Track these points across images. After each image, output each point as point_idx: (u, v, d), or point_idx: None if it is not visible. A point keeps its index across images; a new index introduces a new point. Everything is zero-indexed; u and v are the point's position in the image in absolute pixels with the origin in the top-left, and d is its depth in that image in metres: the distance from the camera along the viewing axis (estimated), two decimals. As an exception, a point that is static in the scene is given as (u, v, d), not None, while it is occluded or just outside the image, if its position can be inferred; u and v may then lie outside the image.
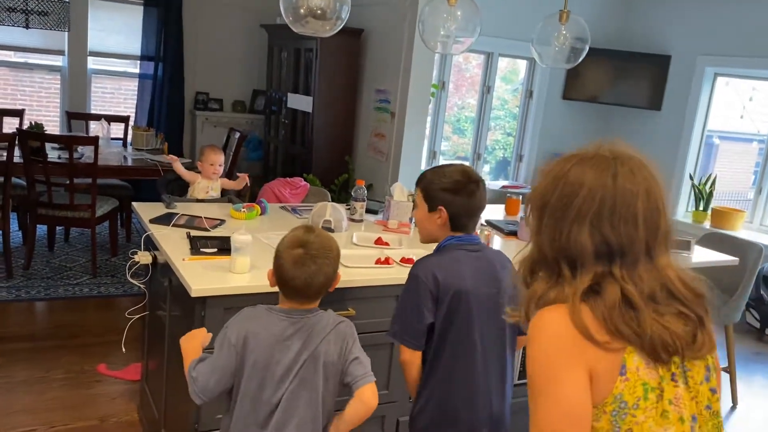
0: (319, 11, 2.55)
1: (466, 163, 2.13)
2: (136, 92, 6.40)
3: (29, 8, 4.73)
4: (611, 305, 1.07)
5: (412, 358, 1.93)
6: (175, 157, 3.64)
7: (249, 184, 3.53)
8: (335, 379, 1.74)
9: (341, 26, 2.61)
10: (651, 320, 1.07)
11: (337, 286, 1.82)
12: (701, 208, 5.66)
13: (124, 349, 2.80)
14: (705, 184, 5.66)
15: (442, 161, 6.12)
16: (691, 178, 5.78)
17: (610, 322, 1.06)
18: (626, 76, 6.16)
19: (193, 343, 1.83)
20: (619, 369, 1.06)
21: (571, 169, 1.14)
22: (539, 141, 6.39)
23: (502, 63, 6.24)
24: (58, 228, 5.09)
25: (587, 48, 3.12)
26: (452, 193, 1.92)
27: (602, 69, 6.10)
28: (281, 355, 1.68)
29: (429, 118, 5.49)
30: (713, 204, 5.64)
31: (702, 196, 5.65)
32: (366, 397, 1.71)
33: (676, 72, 5.90)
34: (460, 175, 1.95)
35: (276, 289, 1.78)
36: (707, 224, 5.57)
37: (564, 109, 6.43)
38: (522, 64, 6.44)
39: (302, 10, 2.55)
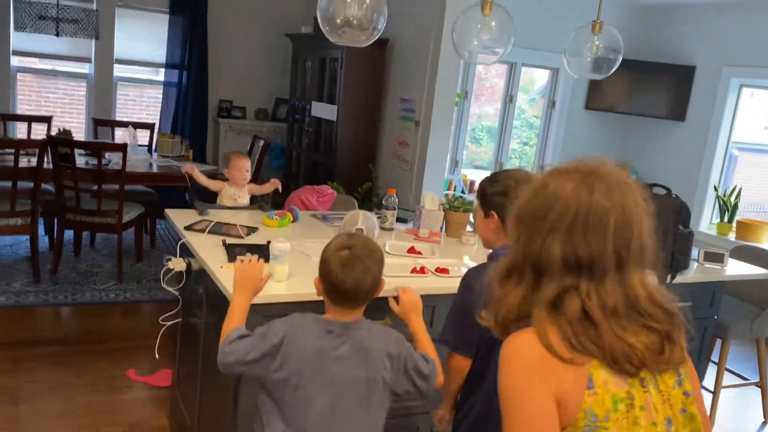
0: (355, 21, 2.57)
1: (527, 168, 2.08)
2: (157, 100, 6.46)
3: (60, 16, 4.79)
4: (571, 319, 1.10)
5: (462, 366, 1.92)
6: (192, 166, 3.58)
7: (280, 190, 3.54)
8: (389, 397, 1.77)
9: (377, 36, 2.63)
10: (610, 334, 1.10)
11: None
12: (726, 220, 5.62)
13: (157, 356, 2.81)
14: (730, 195, 5.62)
15: (462, 170, 6.12)
16: (716, 189, 5.74)
17: (573, 338, 1.10)
18: (650, 87, 6.14)
19: (249, 283, 1.83)
20: (585, 383, 1.09)
21: (551, 182, 1.17)
22: (562, 150, 6.37)
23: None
24: (83, 233, 5.13)
25: (620, 58, 3.12)
26: (504, 198, 1.90)
27: (625, 79, 6.08)
28: (330, 370, 1.67)
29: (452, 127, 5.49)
30: (738, 216, 5.60)
31: (727, 208, 5.61)
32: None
33: (701, 83, 5.87)
34: (512, 179, 1.92)
35: (320, 297, 1.78)
36: (732, 236, 5.52)
37: (586, 119, 6.42)
38: (539, 75, 6.43)
39: (339, 20, 2.57)
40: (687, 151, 5.96)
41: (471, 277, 1.91)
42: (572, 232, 1.12)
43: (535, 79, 6.57)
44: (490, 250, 2.01)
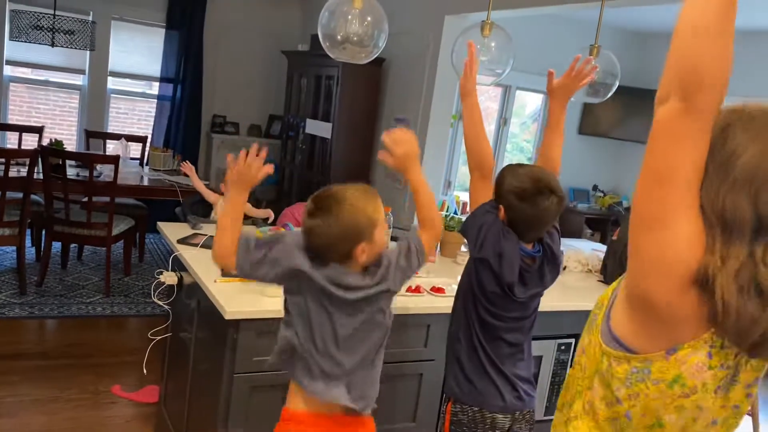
0: (356, 38, 2.56)
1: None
2: (149, 113, 6.44)
3: (56, 27, 4.76)
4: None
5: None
6: (191, 166, 3.56)
7: (270, 221, 3.52)
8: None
9: (377, 53, 2.63)
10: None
11: None
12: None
13: (145, 371, 2.75)
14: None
15: (456, 192, 6.12)
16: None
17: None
18: (642, 113, 6.19)
19: (246, 181, 1.70)
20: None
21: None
22: (554, 174, 6.39)
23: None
24: (71, 246, 5.07)
25: (617, 83, 3.13)
26: (517, 198, 1.85)
27: (618, 105, 6.13)
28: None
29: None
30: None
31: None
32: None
33: (693, 110, 5.93)
34: (530, 182, 1.85)
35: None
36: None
37: (579, 143, 6.46)
38: (531, 99, 6.48)
39: (339, 37, 2.57)
40: (678, 178, 5.99)
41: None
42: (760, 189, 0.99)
43: (527, 103, 6.61)
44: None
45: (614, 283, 1.20)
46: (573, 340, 2.74)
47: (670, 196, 0.99)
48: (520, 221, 1.88)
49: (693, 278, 0.98)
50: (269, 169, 1.72)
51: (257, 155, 1.69)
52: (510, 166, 1.94)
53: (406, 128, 1.88)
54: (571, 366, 1.30)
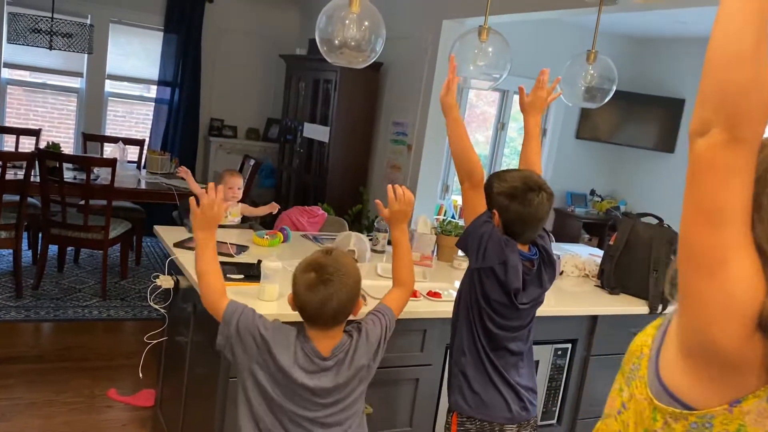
0: (353, 43, 2.56)
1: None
2: (147, 116, 6.44)
3: (54, 30, 4.76)
4: None
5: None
6: (187, 170, 3.58)
7: (274, 212, 3.51)
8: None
9: (375, 58, 2.63)
10: None
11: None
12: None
13: (141, 375, 2.74)
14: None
15: (453, 196, 6.12)
16: (704, 221, 5.78)
17: None
18: (638, 119, 6.20)
19: (212, 221, 1.79)
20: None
21: None
22: (552, 179, 6.39)
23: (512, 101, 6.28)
24: (67, 249, 5.06)
25: (614, 88, 3.14)
26: (508, 199, 1.89)
27: (616, 110, 6.14)
28: (313, 382, 1.67)
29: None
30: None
31: (714, 239, 5.63)
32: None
33: (691, 116, 5.93)
34: (520, 181, 1.90)
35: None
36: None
37: (577, 148, 6.47)
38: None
39: (337, 42, 2.57)
40: (676, 183, 6.00)
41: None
42: None
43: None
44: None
45: (649, 329, 1.12)
46: (570, 345, 2.74)
47: (727, 237, 0.91)
48: (515, 221, 1.90)
49: (757, 321, 0.91)
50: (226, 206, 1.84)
51: (181, 174, 1.84)
52: (495, 173, 2.01)
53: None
54: (601, 418, 1.21)
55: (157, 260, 5.57)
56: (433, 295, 2.45)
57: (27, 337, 3.90)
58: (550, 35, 5.77)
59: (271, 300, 2.15)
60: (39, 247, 4.71)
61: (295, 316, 2.07)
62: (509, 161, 6.61)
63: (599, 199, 6.60)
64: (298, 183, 6.02)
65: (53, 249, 4.87)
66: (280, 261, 2.23)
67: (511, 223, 1.91)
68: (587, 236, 6.33)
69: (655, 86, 6.14)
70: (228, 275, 2.33)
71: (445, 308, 2.27)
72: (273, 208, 3.47)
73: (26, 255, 5.02)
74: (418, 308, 2.35)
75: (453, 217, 5.80)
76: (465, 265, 2.96)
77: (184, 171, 3.57)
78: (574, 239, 6.12)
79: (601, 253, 3.94)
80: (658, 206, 6.02)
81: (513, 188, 1.89)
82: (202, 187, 3.77)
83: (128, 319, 4.28)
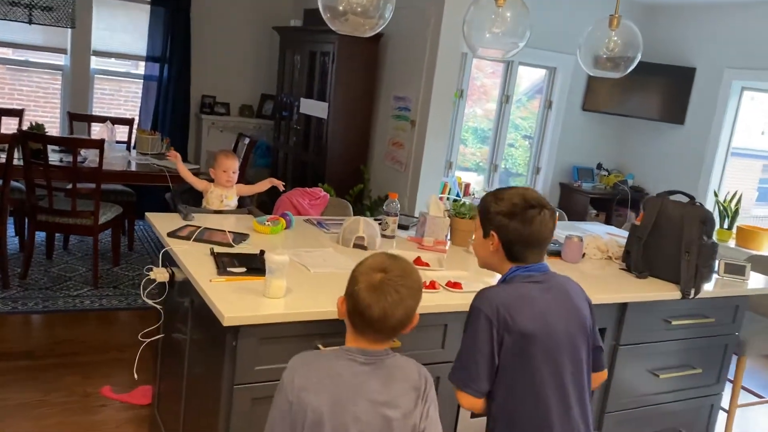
0: (360, 8, 2.33)
1: (532, 188, 1.91)
2: (136, 94, 6.17)
3: (33, 3, 4.48)
4: None
5: (474, 405, 1.72)
6: (177, 154, 3.37)
7: (281, 188, 3.31)
8: None
9: (383, 26, 2.40)
10: None
11: None
12: (725, 226, 5.47)
13: (136, 376, 2.55)
14: (730, 201, 5.47)
15: (456, 172, 5.91)
16: (716, 195, 5.59)
17: None
18: (648, 89, 5.97)
19: None
20: None
21: None
22: (558, 151, 6.19)
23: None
24: (56, 235, 4.83)
25: (639, 56, 2.92)
26: (507, 218, 1.73)
27: (623, 80, 5.88)
28: (356, 406, 1.46)
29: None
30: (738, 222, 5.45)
31: (727, 214, 5.45)
32: None
33: (701, 85, 5.72)
34: (519, 198, 1.75)
35: (339, 318, 1.56)
36: (732, 243, 5.37)
37: (583, 120, 6.25)
38: (527, 76, 6.23)
39: (341, 7, 2.34)
40: (686, 155, 5.80)
41: (481, 303, 1.72)
42: None
43: (522, 81, 6.34)
44: (498, 275, 1.84)
45: None
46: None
47: None
48: (516, 241, 1.74)
49: None
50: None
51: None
52: (490, 192, 1.84)
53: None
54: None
55: (150, 245, 5.35)
56: (453, 285, 2.25)
57: (15, 331, 3.69)
58: (555, 2, 5.51)
59: (278, 297, 1.95)
60: (26, 234, 4.48)
61: (305, 315, 1.89)
62: (508, 135, 6.37)
63: (606, 173, 6.40)
64: (295, 162, 5.79)
65: (41, 235, 4.65)
66: (286, 252, 2.02)
67: (511, 244, 1.75)
68: (594, 212, 6.13)
69: (664, 55, 5.90)
70: (228, 269, 2.13)
71: (465, 300, 2.06)
72: (275, 183, 3.26)
73: (12, 242, 4.79)
74: (437, 301, 2.14)
75: (458, 195, 5.60)
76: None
77: (173, 155, 3.34)
78: (581, 215, 5.93)
79: (617, 231, 3.75)
80: (667, 179, 5.86)
81: (512, 206, 1.73)
82: (191, 170, 3.55)
83: (122, 308, 4.08)
